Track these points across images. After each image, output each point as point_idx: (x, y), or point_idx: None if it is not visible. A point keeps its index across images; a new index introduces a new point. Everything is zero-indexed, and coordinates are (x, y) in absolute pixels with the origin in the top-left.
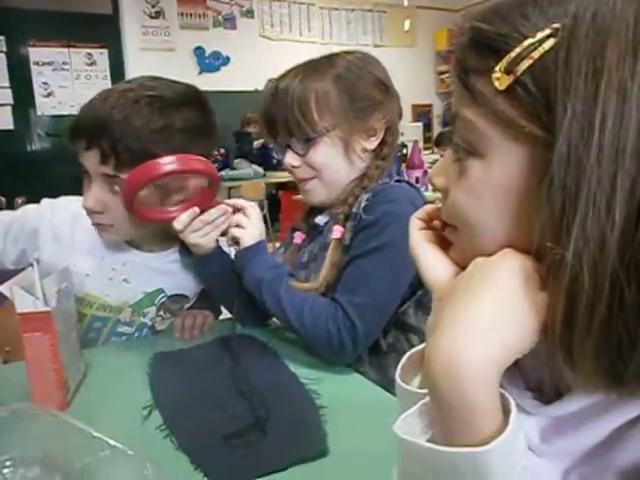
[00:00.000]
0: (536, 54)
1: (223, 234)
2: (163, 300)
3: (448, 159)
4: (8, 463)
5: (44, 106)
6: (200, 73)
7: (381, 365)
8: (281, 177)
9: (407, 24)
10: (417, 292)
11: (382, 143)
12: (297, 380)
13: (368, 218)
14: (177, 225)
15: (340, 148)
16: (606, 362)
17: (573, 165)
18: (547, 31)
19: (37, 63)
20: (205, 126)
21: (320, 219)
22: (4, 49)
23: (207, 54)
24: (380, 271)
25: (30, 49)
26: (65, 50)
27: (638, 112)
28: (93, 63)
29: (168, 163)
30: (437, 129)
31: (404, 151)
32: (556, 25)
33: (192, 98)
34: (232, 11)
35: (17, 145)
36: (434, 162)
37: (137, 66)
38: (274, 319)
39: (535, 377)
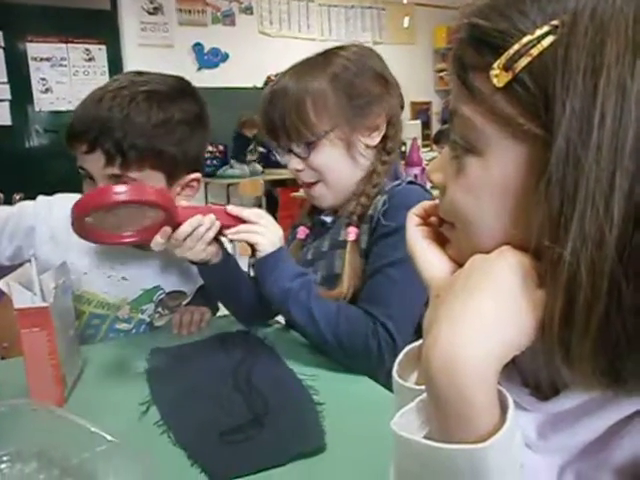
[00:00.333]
0: (535, 51)
1: (217, 238)
2: (161, 297)
3: (446, 156)
4: (5, 458)
5: (42, 102)
6: (199, 69)
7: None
8: (279, 174)
9: (406, 21)
10: None
11: (385, 137)
12: (295, 376)
13: (389, 224)
14: (154, 247)
15: (342, 148)
16: (604, 361)
17: (571, 164)
18: (546, 28)
19: (35, 59)
20: (201, 116)
21: (327, 216)
22: (2, 44)
23: (206, 50)
24: (412, 282)
25: (28, 44)
26: (63, 46)
27: (637, 110)
28: (91, 59)
29: (121, 193)
30: (436, 127)
31: (403, 148)
32: (555, 22)
33: (185, 90)
34: (231, 7)
35: (15, 141)
36: (432, 160)
37: (135, 62)
38: (276, 318)
39: (532, 373)
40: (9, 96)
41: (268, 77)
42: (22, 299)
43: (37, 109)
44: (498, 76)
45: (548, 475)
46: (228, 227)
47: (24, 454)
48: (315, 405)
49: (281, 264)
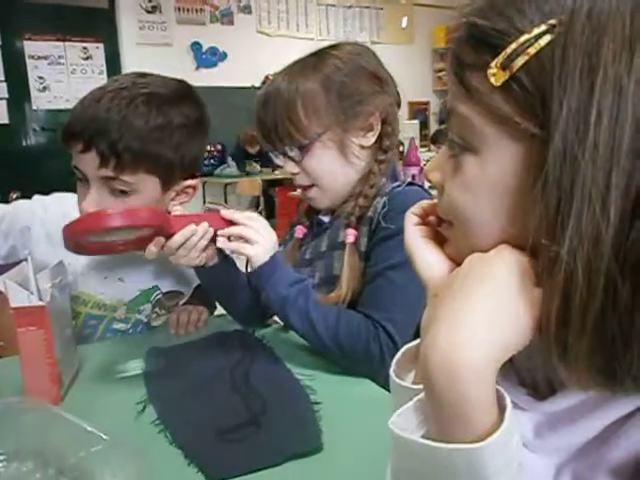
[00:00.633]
0: (532, 50)
1: (213, 240)
2: (159, 297)
3: (444, 155)
4: (1, 457)
5: (39, 100)
6: (197, 68)
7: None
8: (277, 174)
9: (404, 21)
10: None
11: (381, 136)
12: (292, 376)
13: (389, 227)
14: (147, 256)
15: (335, 150)
16: (600, 360)
17: (568, 163)
18: (543, 27)
19: (32, 57)
20: (201, 120)
21: (325, 216)
22: None
23: (204, 49)
24: (413, 285)
25: (25, 42)
26: (61, 44)
27: (634, 109)
28: (89, 57)
29: (113, 219)
30: (434, 127)
31: (400, 148)
32: (552, 21)
33: (186, 93)
34: (229, 6)
35: (12, 140)
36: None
37: (133, 61)
38: (274, 318)
39: (529, 373)
40: (6, 94)
41: (266, 77)
42: (18, 298)
43: (34, 107)
44: (496, 75)
45: (545, 475)
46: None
47: (20, 453)
48: (312, 405)
49: (275, 273)
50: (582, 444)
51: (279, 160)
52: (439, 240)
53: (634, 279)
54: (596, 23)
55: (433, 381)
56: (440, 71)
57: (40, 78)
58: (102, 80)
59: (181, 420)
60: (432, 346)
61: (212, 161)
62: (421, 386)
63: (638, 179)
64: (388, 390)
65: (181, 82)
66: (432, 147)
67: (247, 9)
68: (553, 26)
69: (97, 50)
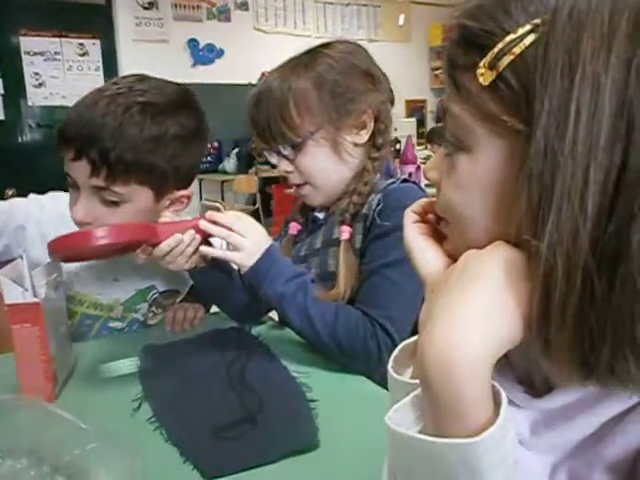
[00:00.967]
0: (517, 50)
1: (208, 242)
2: (155, 296)
3: (441, 154)
4: None
5: (35, 97)
6: (194, 65)
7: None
8: (274, 171)
9: (401, 19)
10: None
11: (374, 133)
12: (288, 373)
13: (384, 224)
14: (138, 261)
15: (328, 149)
16: (580, 353)
17: (549, 158)
18: (528, 27)
19: (28, 53)
20: (199, 130)
21: (319, 213)
22: None
23: (201, 46)
24: (410, 282)
25: (21, 38)
26: (57, 40)
27: (611, 106)
28: (85, 54)
29: (98, 237)
30: (431, 125)
31: (397, 146)
32: (536, 21)
33: (184, 101)
34: (226, 3)
35: (7, 136)
36: (427, 158)
37: (130, 57)
38: (269, 314)
39: (525, 371)
40: (2, 90)
41: (262, 74)
42: (13, 295)
43: (30, 104)
44: (484, 74)
45: (541, 472)
46: (211, 235)
47: (14, 450)
48: (308, 402)
49: (274, 268)
50: (578, 441)
51: (273, 158)
52: (438, 237)
53: (610, 274)
54: (576, 22)
55: (429, 375)
56: (437, 69)
57: (36, 74)
58: (98, 76)
59: (176, 417)
60: (428, 341)
61: (209, 158)
62: (418, 381)
63: (615, 174)
64: (384, 388)
65: (180, 89)
66: (428, 146)
67: (244, 6)
68: (537, 26)
69: (93, 46)
